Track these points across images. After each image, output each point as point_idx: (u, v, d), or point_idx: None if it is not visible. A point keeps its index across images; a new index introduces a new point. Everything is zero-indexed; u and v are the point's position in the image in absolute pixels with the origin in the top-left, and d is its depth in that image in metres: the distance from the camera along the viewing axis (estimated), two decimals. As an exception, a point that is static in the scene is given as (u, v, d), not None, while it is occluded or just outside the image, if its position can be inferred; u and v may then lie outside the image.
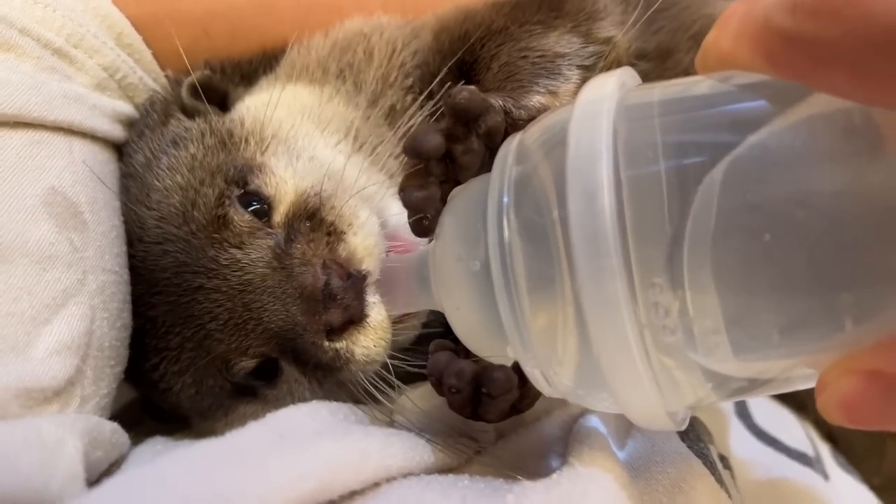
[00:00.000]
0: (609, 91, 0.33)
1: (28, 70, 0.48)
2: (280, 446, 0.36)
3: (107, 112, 0.53)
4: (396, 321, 0.48)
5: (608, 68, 0.49)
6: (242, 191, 0.49)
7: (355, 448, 0.36)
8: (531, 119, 0.39)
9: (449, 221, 0.39)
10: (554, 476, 0.38)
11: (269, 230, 0.48)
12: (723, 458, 0.49)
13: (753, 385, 0.34)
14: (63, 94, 0.49)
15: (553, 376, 0.36)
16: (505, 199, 0.35)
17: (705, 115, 0.32)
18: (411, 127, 0.53)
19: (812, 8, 0.25)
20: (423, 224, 0.38)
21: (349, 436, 0.38)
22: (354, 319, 0.46)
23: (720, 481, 0.43)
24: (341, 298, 0.45)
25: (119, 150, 0.55)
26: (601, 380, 0.33)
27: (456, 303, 0.38)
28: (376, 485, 0.37)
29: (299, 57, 0.60)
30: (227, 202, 0.48)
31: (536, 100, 0.48)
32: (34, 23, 0.49)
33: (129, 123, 0.56)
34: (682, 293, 0.31)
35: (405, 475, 0.39)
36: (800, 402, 0.73)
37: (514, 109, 0.39)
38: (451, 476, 0.40)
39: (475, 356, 0.41)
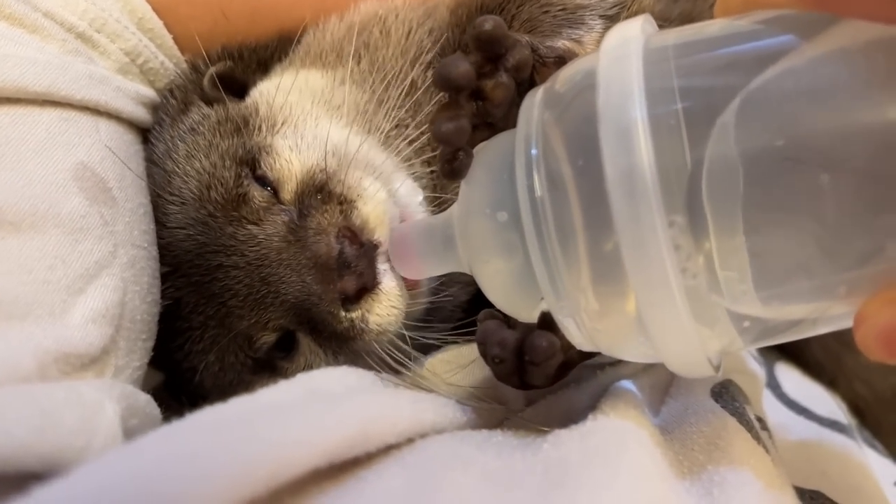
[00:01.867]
0: (634, 33, 0.33)
1: (54, 51, 0.49)
2: (314, 399, 0.36)
3: (130, 94, 0.54)
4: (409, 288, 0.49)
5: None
6: (254, 174, 0.50)
7: (388, 402, 0.37)
8: (557, 59, 0.39)
9: (475, 175, 0.39)
10: (589, 424, 0.38)
11: (284, 206, 0.49)
12: (760, 420, 0.48)
13: (780, 327, 0.34)
14: (88, 74, 0.50)
15: (587, 325, 0.36)
16: (534, 151, 0.35)
17: (722, 54, 0.32)
18: (432, 108, 0.54)
19: None
20: (454, 164, 0.38)
21: (380, 393, 0.38)
22: (368, 286, 0.47)
23: (757, 438, 0.42)
24: (355, 266, 0.46)
25: (142, 132, 0.56)
26: (637, 324, 0.33)
27: (485, 257, 0.39)
28: (410, 440, 0.37)
29: (314, 40, 0.61)
30: (246, 182, 0.50)
31: (562, 43, 0.49)
32: (58, 6, 0.50)
33: (153, 107, 0.57)
34: (707, 235, 0.31)
35: (439, 432, 0.39)
36: (831, 378, 0.73)
37: (540, 47, 0.39)
38: (485, 432, 0.40)
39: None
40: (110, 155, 0.48)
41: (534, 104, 0.37)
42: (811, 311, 0.32)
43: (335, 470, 0.34)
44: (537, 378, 0.40)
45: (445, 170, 0.38)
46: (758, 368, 0.60)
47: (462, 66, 0.36)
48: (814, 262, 0.30)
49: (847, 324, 0.31)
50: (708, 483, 0.37)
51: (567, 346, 0.39)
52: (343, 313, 0.47)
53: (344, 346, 0.49)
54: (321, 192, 0.49)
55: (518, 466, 0.35)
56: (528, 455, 0.36)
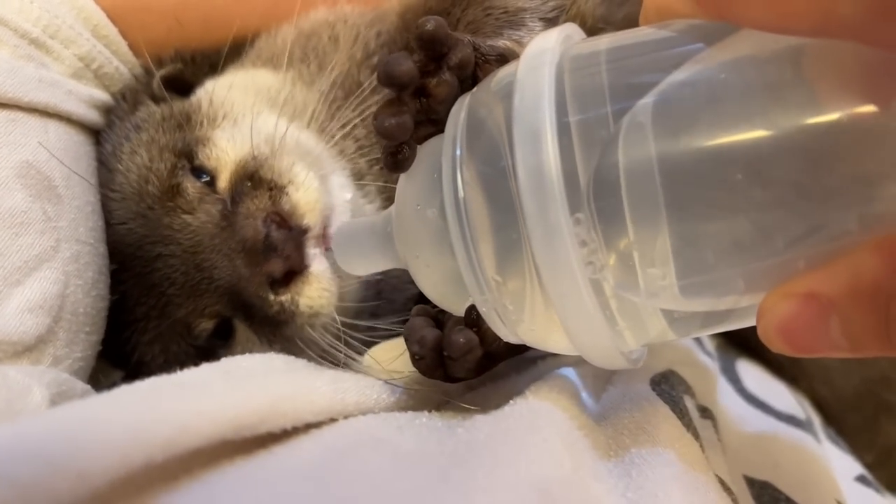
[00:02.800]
0: (552, 44, 0.35)
1: (4, 56, 0.50)
2: (226, 380, 0.37)
3: (83, 98, 0.55)
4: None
5: (570, 21, 0.51)
6: (191, 165, 0.52)
7: (305, 382, 0.37)
8: (499, 56, 0.40)
9: (411, 172, 0.40)
10: (506, 408, 0.38)
11: (218, 196, 0.50)
12: (703, 409, 0.49)
13: (712, 318, 0.35)
14: (39, 78, 0.51)
15: (510, 318, 0.37)
16: (458, 152, 0.36)
17: (647, 59, 0.34)
18: (374, 105, 0.55)
19: None
20: (397, 157, 0.39)
21: (297, 372, 0.39)
22: (295, 269, 0.48)
23: (688, 425, 0.43)
24: (281, 249, 0.47)
25: (96, 135, 0.57)
26: (555, 320, 0.34)
27: (416, 252, 0.39)
28: (333, 420, 0.37)
29: (266, 44, 0.63)
30: (181, 173, 0.51)
31: (502, 42, 0.50)
32: (12, 13, 0.52)
33: (106, 110, 0.58)
34: (624, 232, 0.32)
35: (365, 413, 0.39)
36: (793, 376, 0.73)
37: (482, 45, 0.40)
38: (409, 413, 0.40)
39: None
40: (58, 154, 0.50)
41: (462, 107, 0.38)
42: (726, 304, 0.33)
43: (252, 445, 0.34)
44: (459, 371, 0.41)
45: (388, 162, 0.39)
46: (709, 362, 0.61)
47: (405, 64, 0.37)
48: (724, 256, 0.31)
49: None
50: (629, 464, 0.38)
51: (493, 339, 0.40)
52: (272, 296, 0.48)
53: (277, 332, 0.49)
54: (252, 178, 0.50)
55: (430, 448, 0.36)
56: (443, 438, 0.36)
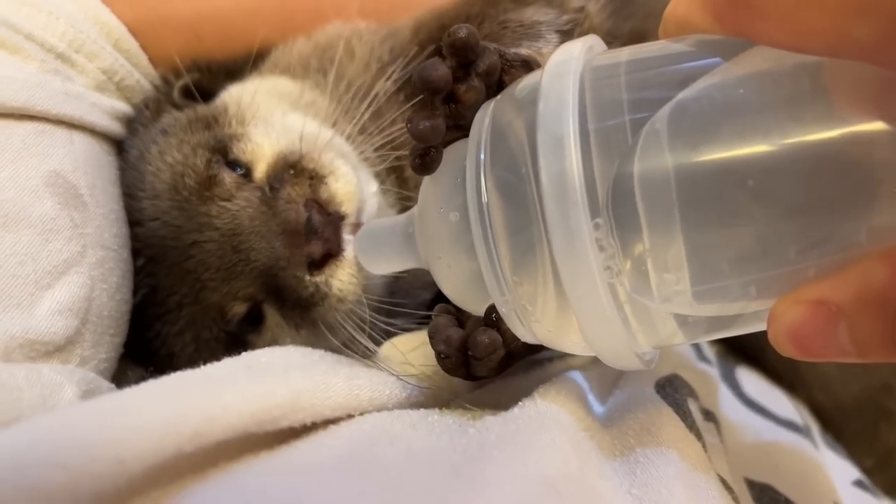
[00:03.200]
0: (576, 53, 0.36)
1: (33, 70, 0.52)
2: (248, 374, 0.38)
3: (105, 109, 0.57)
4: None
5: (583, 35, 0.53)
6: (225, 159, 0.53)
7: (322, 378, 0.39)
8: (523, 62, 0.41)
9: (432, 179, 0.42)
10: (515, 410, 0.39)
11: (255, 184, 0.52)
12: (707, 412, 0.50)
13: (721, 322, 0.36)
14: (65, 91, 0.53)
15: (529, 318, 0.38)
16: (482, 156, 0.37)
17: (665, 72, 0.35)
18: (391, 115, 0.57)
19: None
20: (425, 159, 0.40)
21: (316, 367, 0.41)
22: (333, 252, 0.50)
23: (691, 427, 0.44)
24: (322, 231, 0.49)
25: (118, 145, 0.59)
26: (570, 321, 0.36)
27: (438, 253, 0.41)
28: (350, 416, 0.39)
29: (282, 55, 0.65)
30: (216, 166, 0.53)
31: (524, 51, 0.52)
32: (39, 29, 0.54)
33: (128, 121, 0.60)
34: (640, 238, 0.33)
35: (379, 408, 0.41)
36: (791, 384, 0.74)
37: (507, 52, 0.41)
38: (422, 410, 0.42)
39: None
40: (82, 164, 0.51)
41: (486, 113, 0.39)
42: (735, 309, 0.34)
43: (274, 440, 0.36)
44: (481, 370, 0.42)
45: (416, 164, 0.40)
46: (709, 368, 0.62)
47: (441, 69, 0.39)
48: (736, 264, 0.32)
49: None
50: (633, 463, 0.39)
51: (512, 339, 0.41)
52: (308, 277, 0.50)
53: (306, 316, 0.51)
54: (294, 168, 0.52)
55: (443, 445, 0.37)
56: (455, 436, 0.38)
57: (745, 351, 0.74)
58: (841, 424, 0.75)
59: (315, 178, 0.51)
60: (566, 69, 0.35)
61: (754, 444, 0.57)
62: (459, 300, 0.43)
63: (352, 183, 0.52)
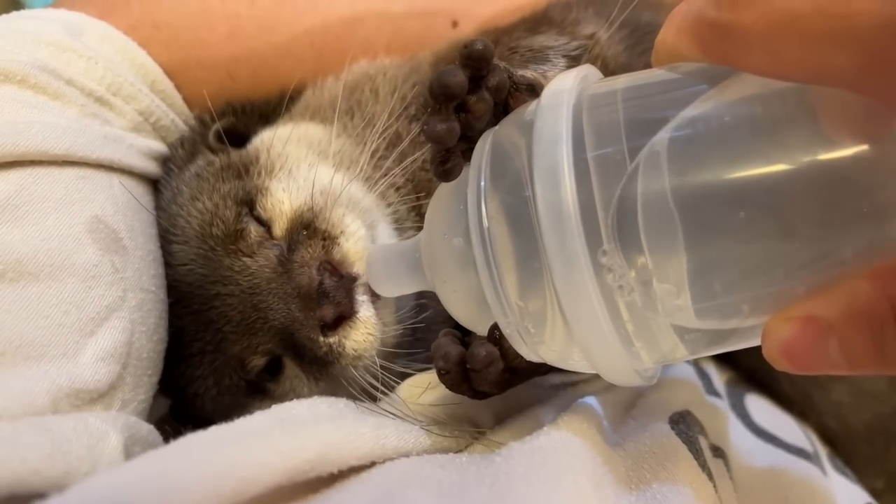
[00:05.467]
0: (569, 84, 0.38)
1: (73, 115, 0.54)
2: (281, 427, 0.40)
3: (142, 151, 0.59)
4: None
5: (591, 62, 0.54)
6: (251, 212, 0.56)
7: (350, 428, 0.41)
8: (528, 86, 0.43)
9: (437, 203, 0.44)
10: (541, 438, 0.41)
11: (275, 241, 0.55)
12: (716, 449, 0.52)
13: (716, 338, 0.38)
14: (104, 135, 0.55)
15: (532, 338, 0.40)
16: (482, 183, 0.39)
17: (659, 99, 0.36)
18: (411, 153, 0.59)
19: (732, 0, 0.30)
20: (446, 166, 0.42)
21: (343, 419, 0.43)
22: (345, 315, 0.52)
23: (702, 466, 0.46)
24: (333, 296, 0.51)
25: (154, 183, 0.61)
26: (572, 339, 0.38)
27: (443, 277, 0.43)
28: (374, 463, 0.41)
29: (313, 97, 0.67)
30: (245, 219, 0.55)
31: (530, 73, 0.53)
32: (78, 74, 0.56)
33: (164, 160, 0.63)
34: (645, 258, 0.35)
35: (404, 455, 0.43)
36: (801, 410, 0.76)
37: (515, 73, 0.43)
38: (450, 454, 0.44)
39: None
40: (122, 208, 0.54)
41: (487, 141, 0.41)
42: (732, 324, 0.36)
43: (305, 489, 0.38)
44: (483, 384, 0.44)
45: (438, 172, 0.42)
46: (720, 402, 0.64)
47: (458, 76, 0.40)
48: (732, 283, 0.34)
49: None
50: (651, 499, 0.42)
51: (514, 356, 0.43)
52: (322, 339, 0.51)
53: (324, 371, 0.53)
54: (308, 228, 0.54)
55: (471, 478, 0.39)
56: (481, 468, 0.40)
57: (756, 378, 0.75)
58: (852, 449, 0.76)
59: (328, 239, 0.53)
60: (559, 100, 0.37)
61: (765, 476, 0.59)
62: (465, 321, 0.45)
63: (362, 241, 0.53)
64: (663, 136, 0.34)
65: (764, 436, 0.66)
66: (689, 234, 0.33)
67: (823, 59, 0.27)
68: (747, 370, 0.75)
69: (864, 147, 0.30)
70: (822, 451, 0.71)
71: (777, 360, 0.34)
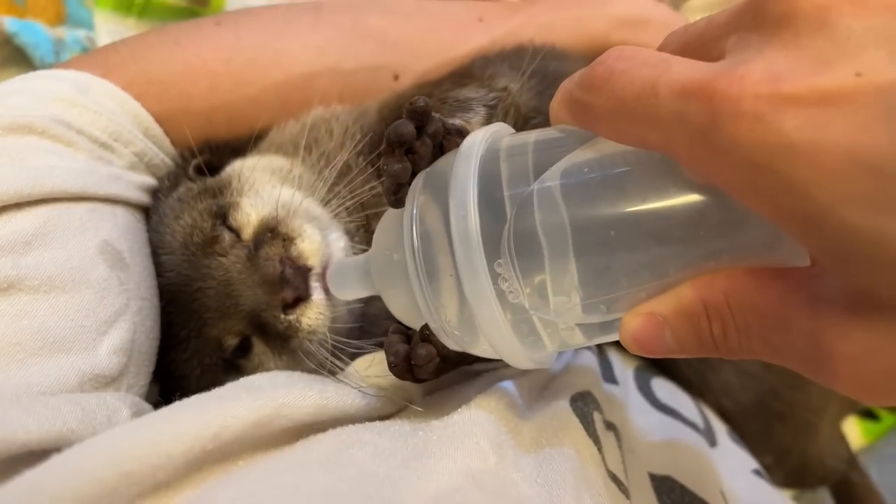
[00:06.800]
0: (479, 140, 0.44)
1: (83, 159, 0.63)
2: (246, 392, 0.47)
3: (138, 185, 0.67)
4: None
5: (506, 109, 0.65)
6: (224, 223, 0.65)
7: (299, 392, 0.48)
8: (458, 131, 0.50)
9: (382, 227, 0.50)
10: (454, 416, 0.47)
11: (244, 243, 0.64)
12: (609, 424, 0.59)
13: (608, 328, 0.43)
14: (108, 174, 0.64)
15: (453, 333, 0.46)
16: (415, 211, 0.45)
17: (555, 152, 0.42)
18: (360, 181, 0.69)
19: (588, 85, 0.36)
20: (398, 195, 0.48)
21: (294, 385, 0.50)
22: (302, 297, 0.60)
23: (591, 434, 0.52)
24: (292, 281, 0.60)
25: (146, 211, 0.70)
26: (479, 333, 0.44)
27: (387, 284, 0.49)
28: (333, 427, 0.47)
29: (277, 135, 0.76)
30: (219, 228, 0.65)
31: (458, 121, 0.64)
32: (87, 125, 0.64)
33: (153, 191, 0.72)
34: (542, 271, 0.40)
35: (348, 417, 0.49)
36: (700, 391, 0.85)
37: (446, 122, 0.50)
38: (387, 421, 0.50)
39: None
40: (124, 232, 0.62)
41: (420, 178, 0.47)
42: (610, 318, 0.42)
43: (278, 441, 0.45)
44: (423, 374, 0.51)
45: (391, 200, 0.48)
46: (615, 388, 0.73)
47: (409, 127, 0.47)
48: (600, 289, 0.40)
49: None
50: (542, 459, 0.47)
51: (443, 347, 0.49)
52: (283, 316, 0.60)
53: (286, 345, 0.61)
54: (272, 232, 0.62)
55: (399, 445, 0.45)
56: (408, 438, 0.46)
57: (661, 365, 0.85)
58: (743, 425, 0.85)
59: (287, 240, 0.61)
60: (471, 151, 0.43)
61: (660, 444, 0.66)
62: (404, 319, 0.51)
63: (316, 242, 0.62)
64: (551, 175, 0.40)
65: (665, 409, 0.74)
66: (576, 249, 0.39)
67: (643, 133, 0.34)
68: (655, 360, 0.82)
69: (693, 196, 0.36)
70: (719, 426, 0.80)
71: (630, 345, 0.40)
